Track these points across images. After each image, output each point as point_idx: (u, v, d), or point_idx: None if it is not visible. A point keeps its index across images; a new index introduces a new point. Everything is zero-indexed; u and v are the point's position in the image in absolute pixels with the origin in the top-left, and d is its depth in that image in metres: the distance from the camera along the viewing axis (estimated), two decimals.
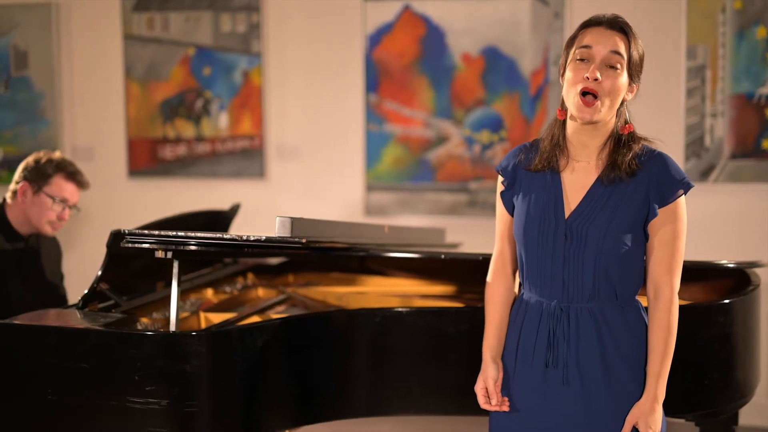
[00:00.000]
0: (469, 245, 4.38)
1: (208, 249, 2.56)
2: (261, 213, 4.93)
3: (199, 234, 2.55)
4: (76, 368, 2.52)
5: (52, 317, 2.77)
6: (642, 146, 2.29)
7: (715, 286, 3.26)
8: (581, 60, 2.24)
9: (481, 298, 3.25)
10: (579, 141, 2.32)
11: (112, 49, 5.39)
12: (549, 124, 2.40)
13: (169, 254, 2.56)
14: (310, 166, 5.21)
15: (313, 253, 3.11)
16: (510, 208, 2.44)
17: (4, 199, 3.42)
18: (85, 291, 2.93)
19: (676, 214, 2.26)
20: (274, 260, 3.88)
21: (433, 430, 4.39)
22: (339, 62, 5.12)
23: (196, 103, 5.30)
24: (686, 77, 4.58)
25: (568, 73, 2.26)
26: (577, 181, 2.32)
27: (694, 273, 3.11)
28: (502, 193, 2.45)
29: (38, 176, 3.37)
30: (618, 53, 2.21)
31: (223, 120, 5.27)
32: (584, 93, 2.21)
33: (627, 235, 2.25)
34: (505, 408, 2.39)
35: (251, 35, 5.18)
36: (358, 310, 2.84)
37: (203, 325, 3.08)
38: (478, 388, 2.43)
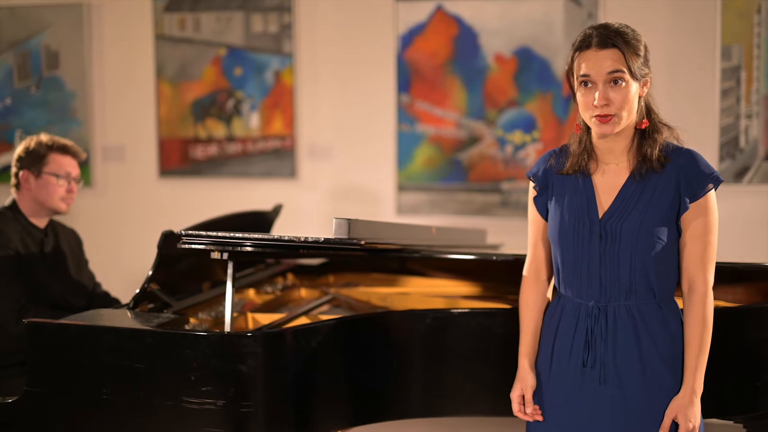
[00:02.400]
0: (507, 246, 4.39)
1: (264, 250, 2.57)
2: (292, 213, 4.96)
3: (254, 235, 2.56)
4: (132, 368, 2.54)
5: (105, 317, 2.78)
6: (666, 140, 2.34)
7: (759, 288, 3.25)
8: (585, 84, 2.28)
9: None
10: (605, 147, 2.37)
11: (143, 49, 5.40)
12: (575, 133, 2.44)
13: (225, 255, 2.57)
14: (342, 166, 5.21)
15: (368, 254, 3.12)
16: (543, 213, 2.47)
17: (14, 198, 3.44)
18: (137, 291, 2.94)
19: (707, 209, 2.29)
20: (314, 261, 3.89)
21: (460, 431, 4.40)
22: (371, 62, 5.12)
23: (228, 103, 5.31)
24: (721, 78, 4.57)
25: (579, 98, 2.32)
26: (608, 182, 2.36)
27: (736, 274, 3.11)
28: (534, 198, 2.49)
29: (34, 160, 3.41)
30: (616, 70, 2.24)
31: (255, 120, 5.28)
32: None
33: (660, 230, 2.28)
34: (538, 418, 2.42)
35: (283, 35, 5.18)
36: (410, 311, 2.84)
37: (251, 326, 3.09)
38: (515, 395, 2.48)
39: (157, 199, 5.47)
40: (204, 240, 2.55)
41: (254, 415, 2.51)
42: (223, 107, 5.32)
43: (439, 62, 5.00)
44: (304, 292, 3.64)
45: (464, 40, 4.96)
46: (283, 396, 2.56)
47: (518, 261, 3.05)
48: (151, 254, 5.41)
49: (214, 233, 2.55)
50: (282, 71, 5.21)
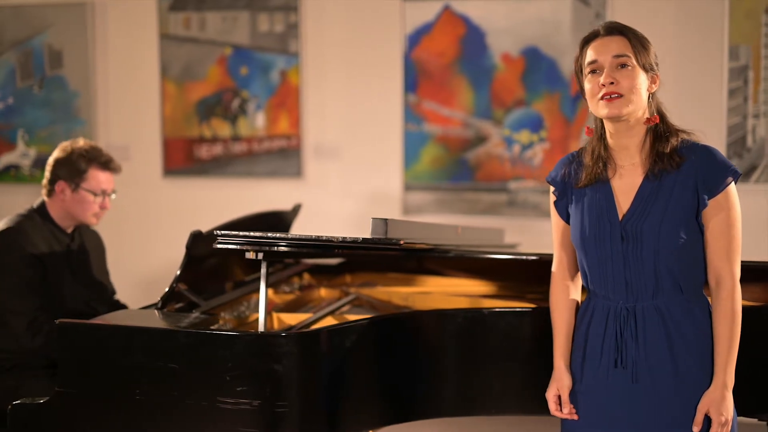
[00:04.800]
0: (523, 245, 4.42)
1: (300, 250, 2.57)
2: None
3: (289, 235, 2.55)
4: (166, 368, 2.53)
5: (135, 317, 2.77)
6: (681, 139, 2.35)
7: None
8: (593, 72, 2.32)
9: (544, 297, 3.29)
10: (618, 145, 2.37)
11: (148, 48, 5.38)
12: (589, 140, 2.46)
13: (260, 255, 2.56)
14: (348, 166, 5.21)
15: (403, 253, 3.12)
16: (565, 216, 2.50)
17: (43, 201, 3.40)
18: (166, 290, 2.93)
19: (728, 203, 2.30)
20: (332, 261, 3.89)
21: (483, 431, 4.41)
22: (377, 62, 5.12)
23: (233, 103, 5.29)
24: (729, 78, 4.60)
25: (587, 86, 2.35)
26: (626, 184, 2.38)
27: (753, 273, 3.13)
28: (555, 202, 2.52)
29: (73, 173, 3.34)
30: (622, 54, 2.28)
31: (260, 119, 5.27)
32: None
33: (681, 227, 2.30)
34: (575, 417, 2.44)
35: (289, 35, 5.17)
36: (442, 310, 2.85)
37: (276, 326, 3.09)
38: (551, 395, 2.50)
39: (162, 198, 5.46)
40: (239, 240, 2.54)
41: (289, 414, 2.51)
42: (229, 107, 5.31)
43: (446, 62, 5.01)
44: (323, 292, 3.64)
45: (471, 40, 4.97)
46: (317, 395, 2.56)
47: (541, 261, 3.09)
48: (155, 254, 5.43)
49: (249, 233, 2.54)
50: (288, 71, 5.20)
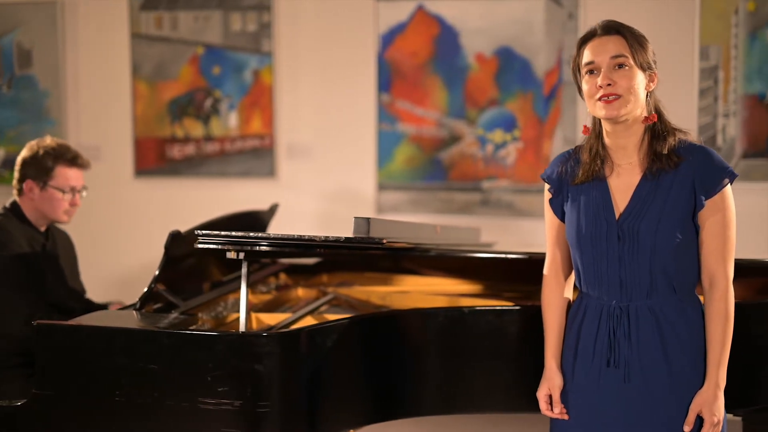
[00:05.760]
0: (499, 245, 4.44)
1: (282, 250, 2.56)
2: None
3: (270, 234, 2.55)
4: (146, 369, 2.51)
5: (114, 318, 2.75)
6: (679, 138, 2.36)
7: (752, 284, 3.31)
8: (591, 72, 2.32)
9: (524, 296, 3.31)
10: (616, 144, 2.38)
11: (119, 47, 5.33)
12: (587, 138, 2.46)
13: (242, 255, 2.55)
14: (321, 166, 5.20)
15: (384, 253, 3.12)
16: (559, 214, 2.49)
17: (15, 201, 3.37)
18: (144, 290, 2.91)
19: (724, 204, 2.31)
20: (309, 260, 3.88)
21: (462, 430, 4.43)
22: (351, 62, 5.12)
23: (205, 103, 5.27)
24: (699, 78, 4.65)
25: (584, 87, 2.35)
26: (623, 183, 2.38)
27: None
28: (550, 200, 2.51)
29: (40, 172, 3.33)
30: (620, 54, 2.29)
31: (233, 119, 5.25)
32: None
33: (677, 227, 2.30)
34: (565, 417, 2.44)
35: (262, 34, 5.16)
36: (423, 309, 2.85)
37: (255, 326, 3.08)
38: (541, 395, 2.49)
39: (133, 199, 5.41)
40: (220, 239, 2.53)
41: (270, 414, 2.50)
42: (201, 106, 5.28)
43: (419, 62, 5.02)
44: (301, 292, 3.63)
45: (445, 40, 4.98)
46: (298, 395, 2.55)
47: (520, 260, 3.11)
48: (127, 254, 5.38)
49: (231, 233, 2.53)
50: (261, 70, 5.19)
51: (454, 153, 5.03)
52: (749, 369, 2.82)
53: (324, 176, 5.20)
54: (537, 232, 4.77)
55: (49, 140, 3.39)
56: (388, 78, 5.05)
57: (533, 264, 3.10)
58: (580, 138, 4.71)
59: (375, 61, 5.06)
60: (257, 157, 5.23)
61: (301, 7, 5.13)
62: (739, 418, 3.03)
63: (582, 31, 4.70)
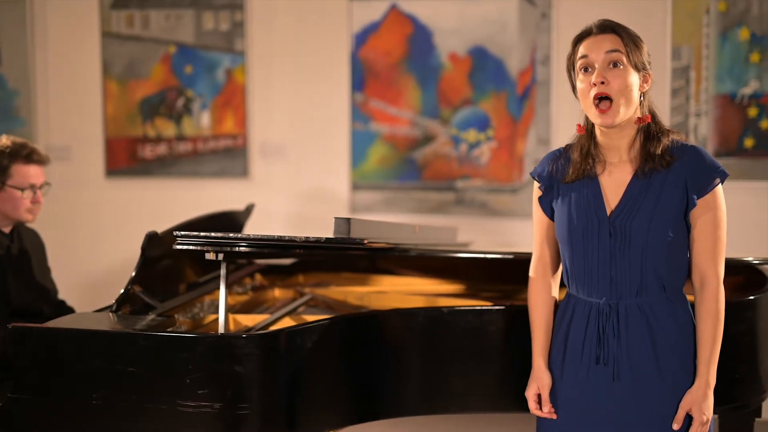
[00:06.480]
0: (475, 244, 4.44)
1: (261, 250, 2.54)
2: None
3: (250, 235, 2.52)
4: (125, 372, 2.48)
5: (90, 321, 2.71)
6: (672, 139, 2.36)
7: (730, 282, 3.33)
8: (585, 69, 2.32)
9: (501, 296, 3.30)
10: (609, 144, 2.38)
11: (89, 46, 5.28)
12: (578, 136, 2.46)
13: (221, 256, 2.53)
14: (295, 165, 5.18)
15: (368, 253, 3.11)
16: (549, 213, 2.48)
17: None
18: (121, 292, 2.87)
19: (715, 203, 2.32)
20: (286, 261, 3.86)
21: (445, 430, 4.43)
22: (324, 61, 5.10)
23: (177, 102, 5.23)
24: (671, 77, 4.68)
25: (579, 85, 2.34)
26: (615, 180, 2.38)
27: None
28: (540, 198, 2.50)
29: None
30: (614, 51, 2.28)
31: (205, 119, 5.21)
32: (599, 98, 2.28)
33: (669, 226, 2.31)
34: (554, 416, 2.45)
35: (234, 33, 5.13)
36: (402, 309, 2.84)
37: (233, 327, 3.05)
38: (530, 394, 2.49)
39: (105, 199, 5.36)
40: (199, 240, 2.50)
41: (250, 416, 2.47)
42: (173, 106, 5.24)
43: (393, 61, 5.01)
44: (277, 293, 3.61)
45: (418, 39, 4.98)
46: (279, 397, 2.53)
47: (499, 260, 3.11)
48: (99, 255, 5.33)
49: (210, 234, 2.50)
50: (234, 69, 5.16)
51: (427, 152, 5.03)
52: (726, 367, 2.84)
53: (297, 176, 5.18)
54: (511, 231, 4.79)
55: (4, 139, 3.32)
56: (361, 77, 5.04)
57: (512, 264, 3.11)
58: (554, 137, 4.77)
59: (348, 60, 5.05)
60: (230, 156, 5.20)
61: (274, 6, 5.11)
62: (715, 416, 3.06)
63: (556, 32, 4.75)
